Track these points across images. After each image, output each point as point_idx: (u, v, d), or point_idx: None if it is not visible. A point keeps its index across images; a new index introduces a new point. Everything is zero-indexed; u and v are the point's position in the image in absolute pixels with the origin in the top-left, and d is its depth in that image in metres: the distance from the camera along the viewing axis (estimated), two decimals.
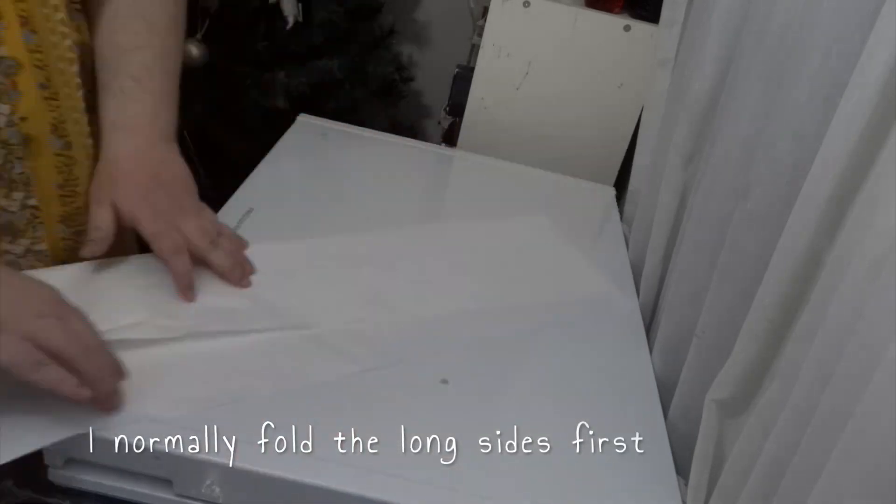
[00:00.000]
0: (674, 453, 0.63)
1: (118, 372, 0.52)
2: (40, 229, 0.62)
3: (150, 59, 0.66)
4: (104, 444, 0.52)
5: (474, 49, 1.24)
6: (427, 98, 2.00)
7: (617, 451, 0.62)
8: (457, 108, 1.18)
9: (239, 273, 0.67)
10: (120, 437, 0.51)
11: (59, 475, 0.53)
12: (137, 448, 0.52)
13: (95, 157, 0.66)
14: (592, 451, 0.61)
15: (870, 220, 0.43)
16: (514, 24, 1.07)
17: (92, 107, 0.65)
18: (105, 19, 0.66)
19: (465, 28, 1.72)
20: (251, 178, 0.86)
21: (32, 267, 0.63)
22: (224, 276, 0.66)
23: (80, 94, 0.63)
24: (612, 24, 1.06)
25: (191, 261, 0.64)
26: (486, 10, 1.11)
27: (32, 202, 0.61)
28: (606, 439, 0.63)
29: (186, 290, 0.63)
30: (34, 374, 0.46)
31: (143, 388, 0.56)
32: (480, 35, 1.12)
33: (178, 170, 0.67)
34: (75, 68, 0.62)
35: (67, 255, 0.66)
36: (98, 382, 0.49)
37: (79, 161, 0.65)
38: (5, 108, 0.58)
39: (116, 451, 0.52)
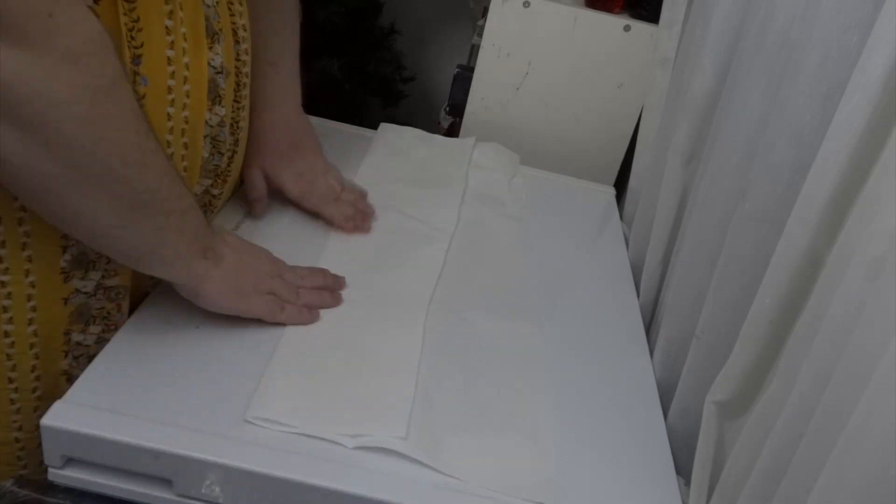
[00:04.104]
0: (674, 453, 0.63)
1: (324, 283, 0.69)
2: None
3: (283, 42, 0.77)
4: (104, 444, 0.52)
5: (474, 49, 1.24)
6: (427, 98, 2.00)
7: (617, 451, 0.62)
8: (457, 108, 1.18)
9: (352, 225, 0.79)
10: (120, 437, 0.52)
11: (59, 475, 0.53)
12: (137, 448, 0.52)
13: None
14: (592, 451, 0.61)
15: (870, 220, 0.43)
16: (514, 24, 1.07)
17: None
18: (249, 6, 0.72)
19: (465, 28, 1.72)
20: None
21: (103, 307, 0.62)
22: (340, 224, 0.78)
23: (245, 92, 0.72)
24: (612, 24, 1.06)
25: (336, 206, 0.79)
26: (486, 10, 1.11)
27: None
28: (607, 439, 0.63)
29: (345, 223, 0.78)
30: (280, 317, 0.64)
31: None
32: (480, 35, 1.12)
33: (309, 137, 0.81)
34: (247, 69, 0.71)
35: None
36: (318, 302, 0.67)
37: None
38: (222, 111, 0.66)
39: (116, 451, 0.52)
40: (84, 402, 0.54)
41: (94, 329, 0.62)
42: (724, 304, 0.64)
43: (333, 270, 0.71)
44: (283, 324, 0.64)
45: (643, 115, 1.04)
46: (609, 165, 1.15)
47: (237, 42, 0.67)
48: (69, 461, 0.53)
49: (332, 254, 0.75)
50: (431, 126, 2.03)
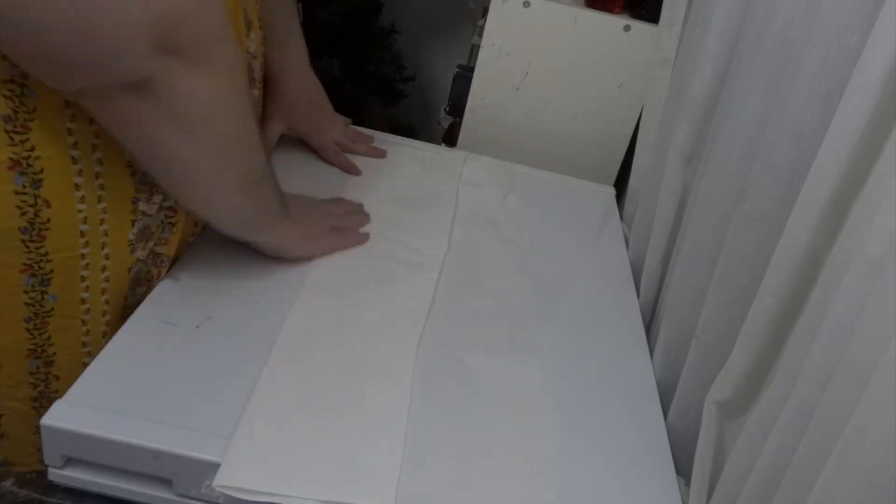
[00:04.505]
0: (674, 453, 0.63)
1: (351, 208, 0.83)
2: (169, 231, 0.67)
3: (290, 11, 0.88)
4: (104, 444, 0.52)
5: (474, 49, 1.24)
6: (427, 98, 1.99)
7: (617, 451, 0.62)
8: (457, 108, 1.18)
9: (375, 154, 0.97)
10: (120, 437, 0.52)
11: (59, 475, 0.53)
12: (137, 448, 0.52)
13: None
14: (592, 451, 0.61)
15: (870, 220, 0.43)
16: (514, 24, 1.07)
17: None
18: None
19: (465, 28, 1.72)
20: None
21: (150, 272, 0.67)
22: (366, 153, 0.96)
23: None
24: (612, 24, 1.06)
25: (346, 157, 0.94)
26: (486, 10, 1.11)
27: (169, 203, 0.66)
28: (606, 439, 0.63)
29: (353, 170, 0.93)
30: (343, 245, 0.77)
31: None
32: (480, 35, 1.12)
33: (321, 93, 0.94)
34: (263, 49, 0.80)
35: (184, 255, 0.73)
36: (358, 222, 0.81)
37: None
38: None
39: (116, 451, 0.52)
40: (84, 402, 0.54)
41: (140, 290, 0.67)
42: (724, 304, 0.64)
43: (313, 307, 0.68)
44: (347, 248, 0.76)
45: (643, 115, 1.04)
46: (609, 165, 1.15)
47: (260, 28, 0.73)
48: (69, 461, 0.53)
49: (311, 288, 0.70)
50: (432, 126, 2.03)
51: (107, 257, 0.62)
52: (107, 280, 0.63)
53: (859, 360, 0.40)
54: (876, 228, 0.42)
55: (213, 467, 0.52)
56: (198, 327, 0.62)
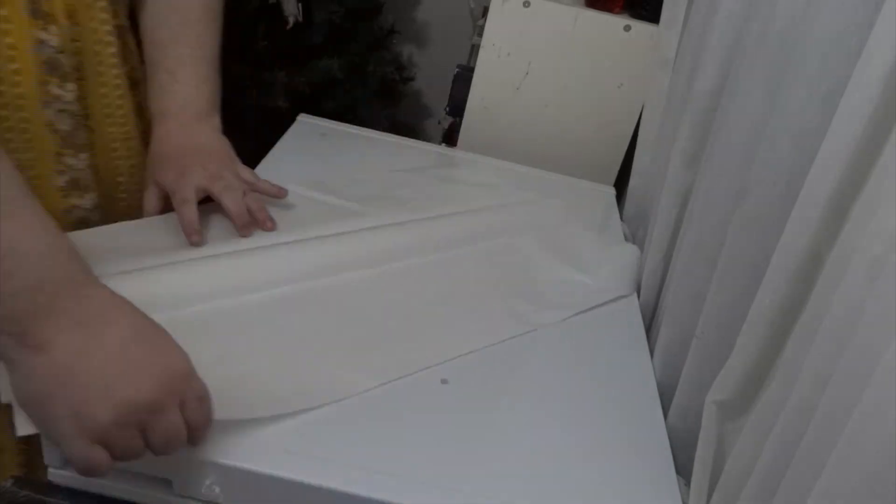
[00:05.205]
0: (674, 453, 0.63)
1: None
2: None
3: (183, 51, 0.72)
4: None
5: (474, 49, 1.24)
6: (427, 98, 2.00)
7: (617, 451, 0.62)
8: (457, 108, 1.18)
9: (245, 220, 0.71)
10: None
11: (59, 475, 0.53)
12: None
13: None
14: (592, 451, 0.61)
15: (870, 220, 0.43)
16: (514, 24, 1.07)
17: (136, 81, 0.74)
18: (146, 15, 0.72)
19: (465, 28, 1.72)
20: None
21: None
22: (231, 218, 0.71)
23: (114, 72, 0.70)
24: (612, 24, 1.06)
25: (196, 211, 0.68)
26: (486, 10, 1.11)
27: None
28: (606, 439, 0.63)
29: (191, 235, 0.68)
30: (92, 478, 0.44)
31: None
32: (480, 35, 1.12)
33: (205, 140, 0.73)
34: (112, 49, 0.69)
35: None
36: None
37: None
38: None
39: None
40: None
41: None
42: (724, 304, 0.64)
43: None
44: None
45: (643, 115, 1.04)
46: (609, 165, 1.15)
47: (78, 24, 0.65)
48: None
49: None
50: (432, 126, 2.03)
51: None
52: None
53: (859, 360, 0.40)
54: (876, 228, 0.42)
55: (214, 467, 0.52)
56: None
